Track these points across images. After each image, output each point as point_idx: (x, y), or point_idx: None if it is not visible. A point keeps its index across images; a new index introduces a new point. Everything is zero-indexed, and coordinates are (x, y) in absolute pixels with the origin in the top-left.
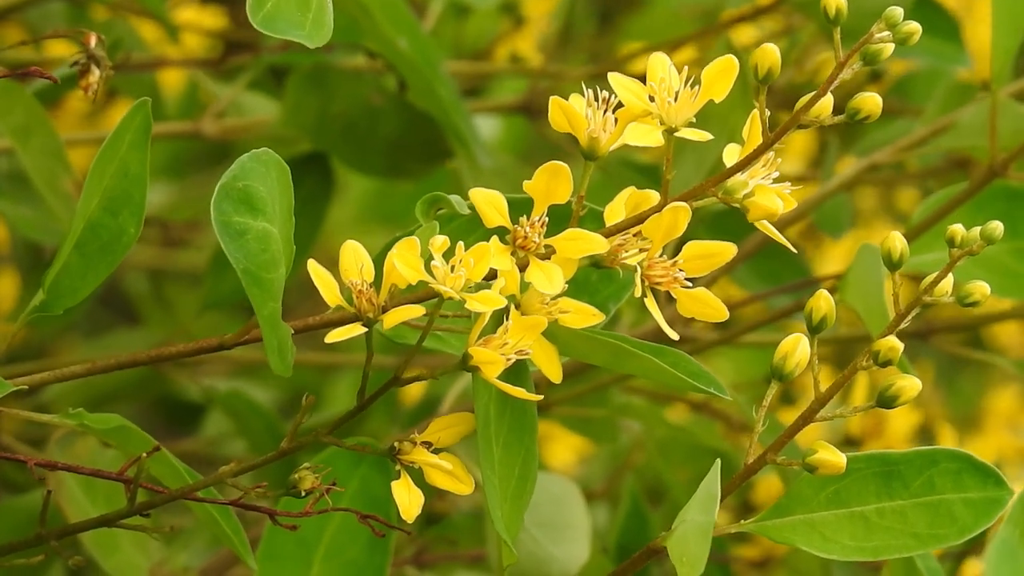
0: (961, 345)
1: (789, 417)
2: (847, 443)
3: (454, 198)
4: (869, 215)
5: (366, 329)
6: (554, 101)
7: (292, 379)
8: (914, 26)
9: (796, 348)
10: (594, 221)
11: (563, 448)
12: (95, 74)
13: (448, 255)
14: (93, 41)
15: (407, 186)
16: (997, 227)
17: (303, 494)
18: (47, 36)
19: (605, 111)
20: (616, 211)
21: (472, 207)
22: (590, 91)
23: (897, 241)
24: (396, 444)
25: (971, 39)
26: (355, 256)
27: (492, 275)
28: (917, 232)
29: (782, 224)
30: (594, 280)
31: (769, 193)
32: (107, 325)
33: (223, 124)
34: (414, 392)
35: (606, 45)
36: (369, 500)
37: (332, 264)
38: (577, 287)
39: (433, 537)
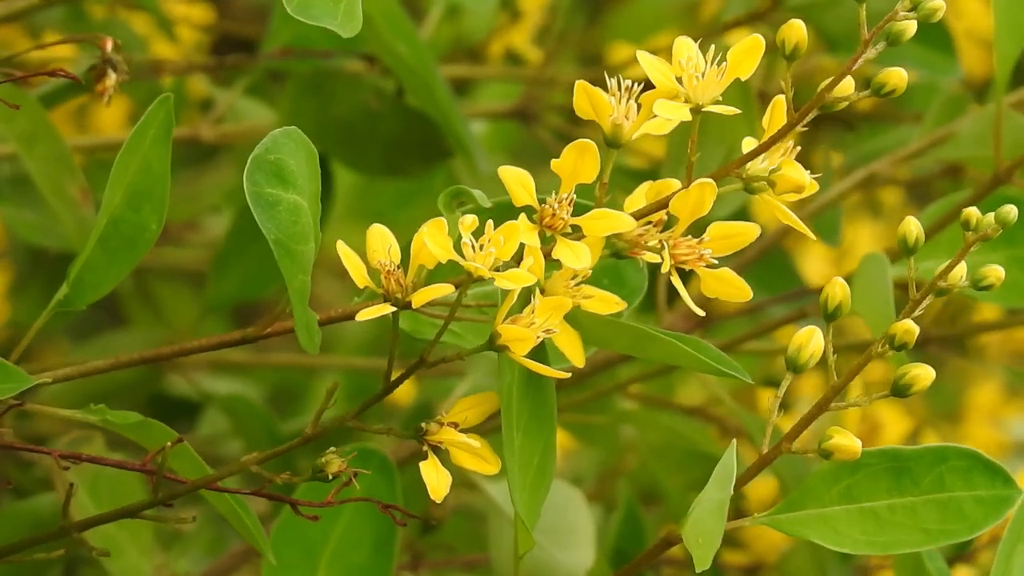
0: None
1: (786, 424)
2: None
3: (476, 192)
4: (852, 214)
5: (395, 309)
6: (580, 85)
7: (276, 378)
8: (938, 3)
9: (810, 340)
10: None
11: None
12: (111, 78)
13: (476, 235)
14: (110, 45)
15: (392, 184)
16: (1011, 211)
17: (330, 478)
18: (62, 41)
19: (628, 99)
20: (637, 202)
21: (482, 198)
22: (613, 80)
23: (913, 226)
24: (423, 425)
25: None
26: (382, 238)
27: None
28: None
29: (778, 234)
30: (606, 284)
31: (796, 166)
32: (92, 326)
33: (221, 129)
34: (405, 396)
35: (592, 40)
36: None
37: (327, 264)
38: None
39: (430, 543)
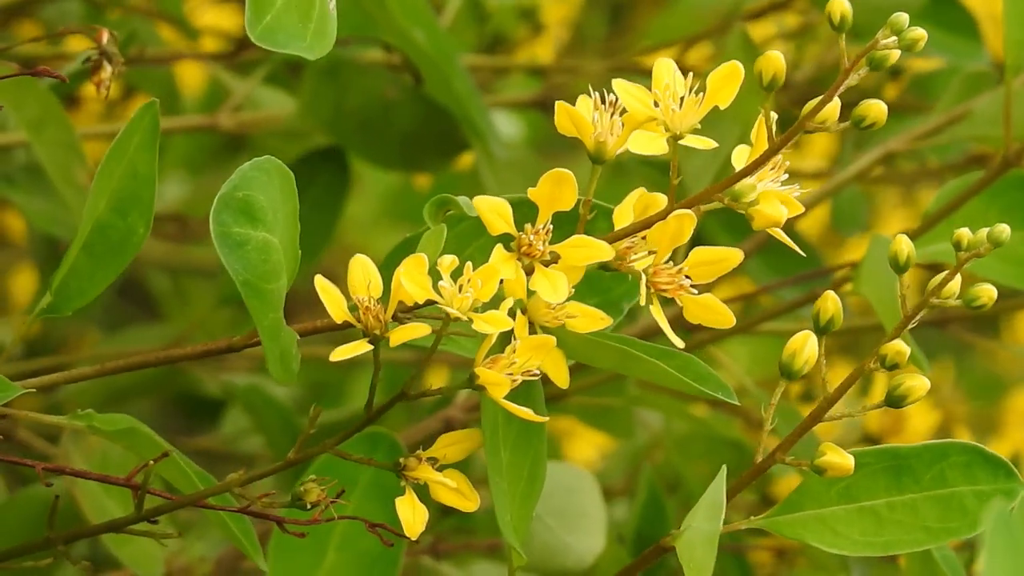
0: (976, 332)
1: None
2: (865, 440)
3: (462, 200)
4: (888, 214)
5: (372, 346)
6: (560, 106)
7: (313, 373)
8: (919, 32)
9: (804, 346)
10: (604, 219)
11: (584, 445)
12: (107, 70)
13: (456, 274)
14: (105, 37)
15: (426, 185)
16: (1004, 230)
17: (308, 507)
18: (59, 33)
19: (612, 114)
20: (625, 213)
21: (468, 206)
22: (597, 94)
23: (904, 244)
24: (402, 460)
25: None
26: (363, 272)
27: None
28: (932, 222)
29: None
30: (607, 278)
31: (773, 201)
32: (126, 319)
33: (239, 118)
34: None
35: (621, 46)
36: (382, 490)
37: (348, 258)
38: (589, 285)
39: (449, 527)
